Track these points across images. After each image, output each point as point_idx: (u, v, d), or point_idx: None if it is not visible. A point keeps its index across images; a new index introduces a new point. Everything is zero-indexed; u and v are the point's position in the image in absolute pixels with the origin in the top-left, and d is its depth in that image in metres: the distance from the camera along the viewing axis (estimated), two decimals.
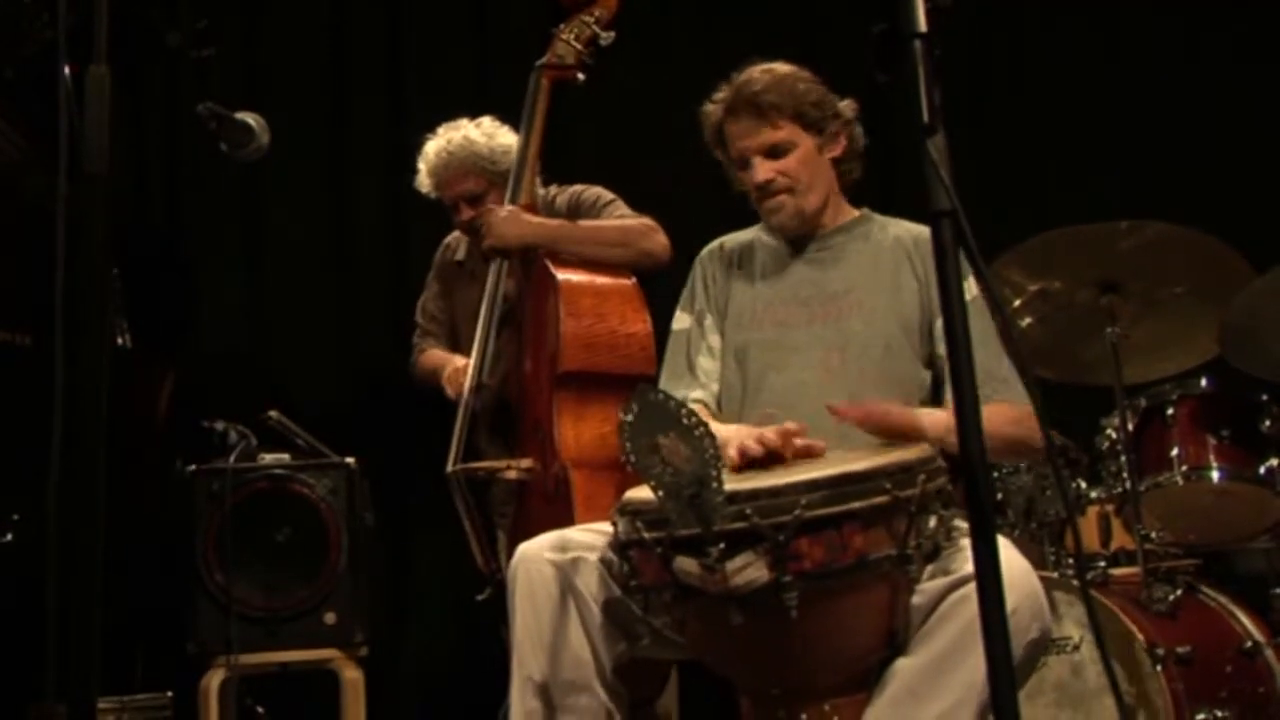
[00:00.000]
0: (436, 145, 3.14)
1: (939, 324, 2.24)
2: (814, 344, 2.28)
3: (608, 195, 3.04)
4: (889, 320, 2.27)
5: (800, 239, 2.41)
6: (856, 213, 2.44)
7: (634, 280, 2.78)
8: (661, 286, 2.80)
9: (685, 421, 1.66)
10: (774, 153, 2.34)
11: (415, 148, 3.23)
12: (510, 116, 3.09)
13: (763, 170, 2.33)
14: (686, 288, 2.51)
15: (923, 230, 2.37)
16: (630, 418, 1.69)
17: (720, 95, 2.39)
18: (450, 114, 3.25)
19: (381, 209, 4.07)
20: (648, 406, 1.69)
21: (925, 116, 1.42)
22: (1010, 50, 4.13)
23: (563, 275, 2.73)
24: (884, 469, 1.76)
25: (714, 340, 2.41)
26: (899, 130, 3.90)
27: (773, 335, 2.33)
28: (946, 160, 1.42)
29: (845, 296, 2.31)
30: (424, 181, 3.19)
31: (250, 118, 2.05)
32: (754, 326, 2.36)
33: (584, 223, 2.95)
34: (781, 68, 2.36)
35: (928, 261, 2.29)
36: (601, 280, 2.77)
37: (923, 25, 1.43)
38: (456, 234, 3.31)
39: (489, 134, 3.12)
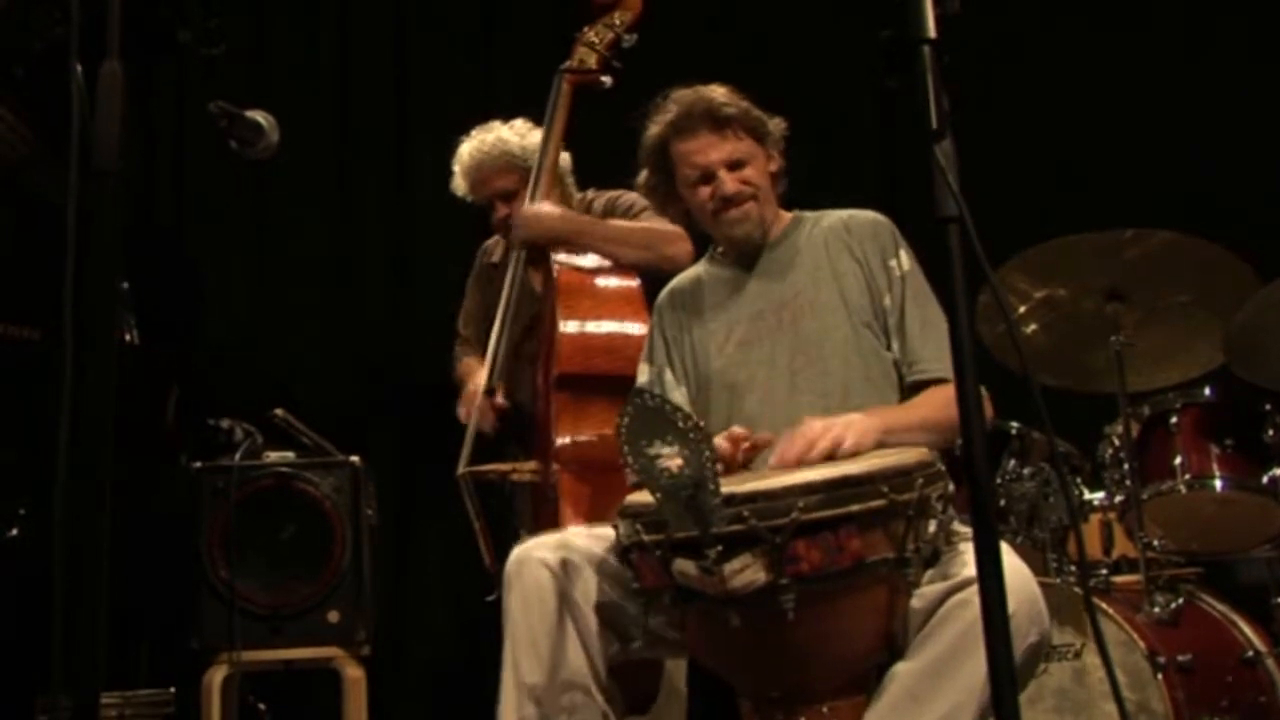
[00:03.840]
0: (470, 146, 3.17)
1: (887, 300, 2.29)
2: (777, 354, 2.31)
3: (643, 202, 3.04)
4: (840, 310, 2.30)
5: (746, 258, 2.44)
6: (789, 217, 2.47)
7: (638, 283, 2.78)
8: None
9: (681, 425, 1.67)
10: (735, 165, 2.37)
11: (421, 147, 3.25)
12: (525, 118, 3.12)
13: (730, 182, 2.36)
14: (648, 338, 2.53)
15: (853, 213, 2.42)
16: (627, 422, 1.70)
17: (664, 116, 2.41)
18: (457, 115, 3.27)
19: (387, 208, 4.08)
20: (644, 411, 1.70)
21: (934, 122, 1.42)
22: (1015, 55, 4.13)
23: (563, 278, 2.73)
24: (881, 472, 1.77)
25: (676, 396, 2.42)
26: (906, 135, 3.92)
27: (738, 358, 2.35)
28: (954, 166, 1.42)
29: (795, 300, 2.34)
30: (459, 184, 3.22)
31: (260, 116, 2.05)
32: (719, 355, 2.38)
33: (612, 221, 2.97)
34: (721, 86, 2.40)
35: (864, 243, 2.35)
36: (602, 282, 2.77)
37: (932, 31, 1.44)
38: (494, 238, 3.33)
39: (521, 134, 3.15)
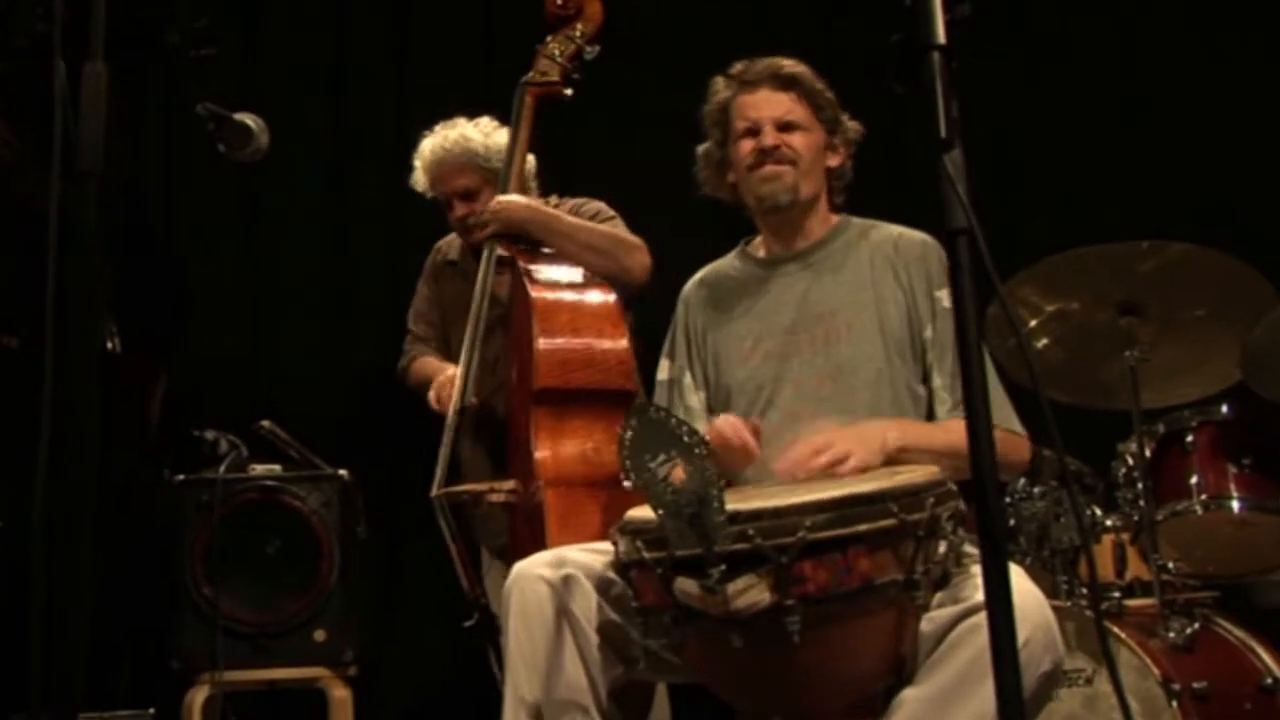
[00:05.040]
0: (432, 142, 3.22)
1: (929, 332, 2.26)
2: (805, 373, 2.29)
3: (609, 211, 3.11)
4: (877, 340, 2.28)
5: (781, 258, 2.42)
6: (835, 220, 2.46)
7: (615, 297, 2.80)
8: (646, 310, 2.81)
9: (686, 439, 1.67)
10: (786, 127, 2.38)
11: (415, 148, 3.26)
12: (491, 117, 3.16)
13: (772, 136, 2.36)
14: (670, 330, 2.52)
15: (903, 232, 2.39)
16: (630, 434, 1.69)
17: (735, 71, 2.43)
18: (454, 116, 3.27)
19: (381, 214, 4.09)
20: (648, 423, 1.70)
21: (943, 131, 1.42)
22: (1028, 61, 4.13)
23: (537, 293, 2.75)
24: (891, 491, 1.76)
25: (693, 400, 2.42)
26: (914, 144, 3.92)
27: (764, 370, 2.34)
28: (963, 176, 1.43)
29: (832, 319, 2.32)
30: (419, 179, 3.27)
31: (249, 119, 2.06)
32: (743, 364, 2.37)
33: (579, 220, 3.00)
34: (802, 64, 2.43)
35: (911, 268, 2.32)
36: (578, 297, 2.79)
37: (941, 37, 1.44)
38: (448, 238, 3.37)
39: (485, 132, 3.20)
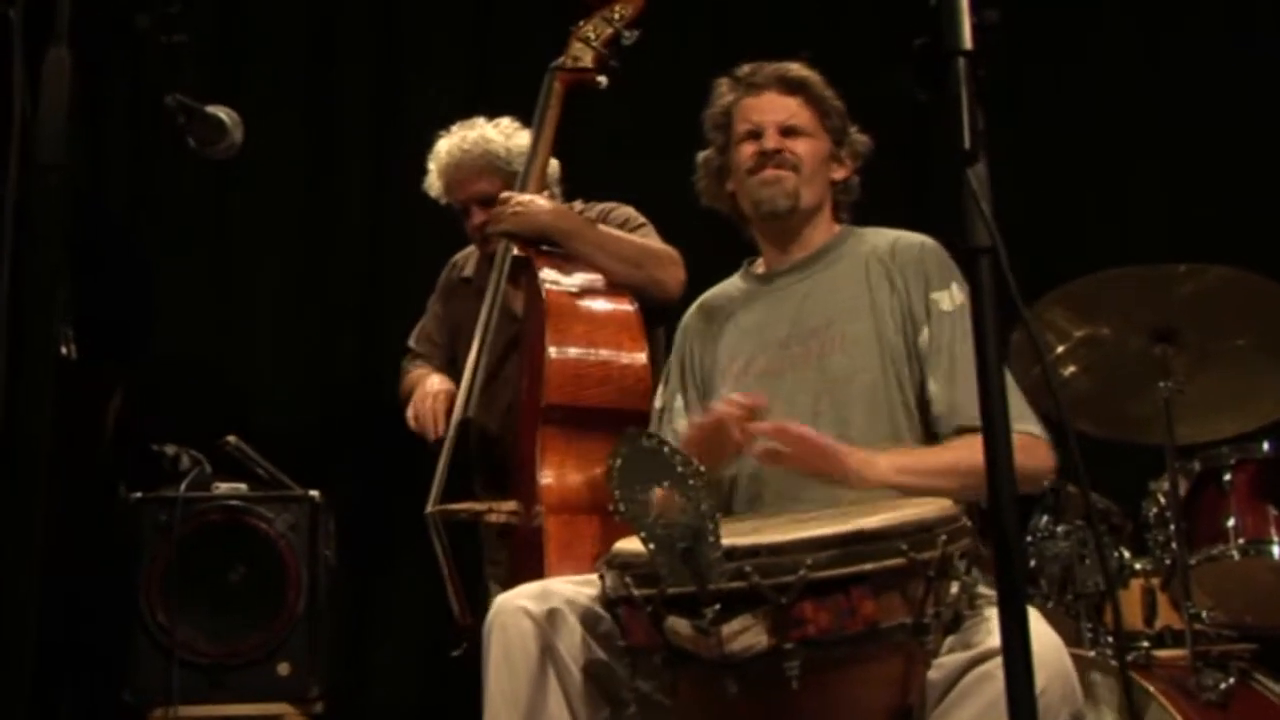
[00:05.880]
0: (449, 144, 3.18)
1: (923, 336, 2.27)
2: (800, 390, 2.30)
3: (639, 218, 3.06)
4: (872, 349, 2.29)
5: (779, 272, 2.45)
6: (837, 229, 2.48)
7: (635, 308, 2.78)
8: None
9: (680, 469, 1.67)
10: (789, 132, 2.41)
11: (403, 148, 3.27)
12: (512, 117, 3.14)
13: (774, 139, 2.39)
14: (669, 360, 2.54)
15: (901, 235, 2.41)
16: (619, 463, 1.69)
17: (741, 74, 2.46)
18: (445, 115, 3.28)
19: (363, 215, 4.11)
20: (639, 452, 1.70)
21: (966, 142, 1.43)
22: (1055, 72, 4.14)
23: (551, 300, 2.73)
24: (900, 528, 1.76)
25: (681, 426, 2.43)
26: (935, 157, 3.94)
27: (755, 390, 2.32)
28: (987, 191, 1.43)
29: (826, 330, 2.34)
30: (434, 183, 3.22)
31: (223, 112, 2.06)
32: (735, 385, 2.37)
33: (606, 228, 2.97)
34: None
35: (907, 270, 2.34)
36: (596, 306, 2.77)
37: (968, 42, 1.45)
38: (465, 251, 3.34)
39: (507, 134, 3.16)
